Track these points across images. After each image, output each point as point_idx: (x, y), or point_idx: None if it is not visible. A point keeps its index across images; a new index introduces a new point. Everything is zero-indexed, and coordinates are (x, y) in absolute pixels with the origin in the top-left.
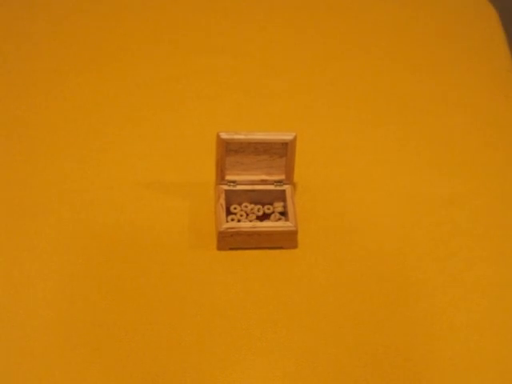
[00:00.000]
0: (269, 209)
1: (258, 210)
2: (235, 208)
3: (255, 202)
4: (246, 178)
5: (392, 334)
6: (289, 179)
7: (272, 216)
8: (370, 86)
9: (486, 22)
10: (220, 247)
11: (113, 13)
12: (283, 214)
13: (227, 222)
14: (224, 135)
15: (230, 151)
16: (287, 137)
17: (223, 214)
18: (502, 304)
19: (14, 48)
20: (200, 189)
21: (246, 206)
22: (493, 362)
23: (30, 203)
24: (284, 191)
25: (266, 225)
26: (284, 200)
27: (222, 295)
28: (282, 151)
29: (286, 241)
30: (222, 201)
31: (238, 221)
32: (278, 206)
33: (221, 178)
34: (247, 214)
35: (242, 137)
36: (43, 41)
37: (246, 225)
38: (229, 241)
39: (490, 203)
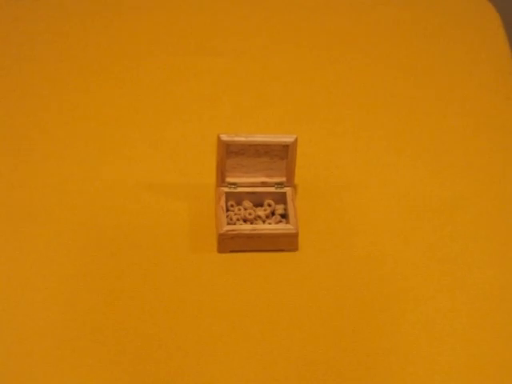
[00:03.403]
0: (265, 210)
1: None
2: (232, 205)
3: (256, 204)
4: (246, 180)
5: (392, 336)
6: (289, 181)
7: (273, 218)
8: (371, 88)
9: (487, 22)
10: (220, 250)
11: (112, 15)
12: (284, 216)
13: (228, 224)
14: (224, 137)
15: (230, 153)
16: (288, 139)
17: (224, 216)
18: (503, 307)
19: (13, 50)
20: (200, 191)
21: (239, 209)
22: (494, 365)
23: (30, 205)
24: (285, 193)
25: (267, 227)
26: (285, 202)
27: (223, 298)
28: (282, 153)
29: (287, 243)
30: (223, 203)
31: (235, 223)
32: (279, 209)
33: (221, 180)
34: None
35: (242, 139)
36: (43, 43)
37: (246, 227)
38: (229, 243)
39: (490, 206)
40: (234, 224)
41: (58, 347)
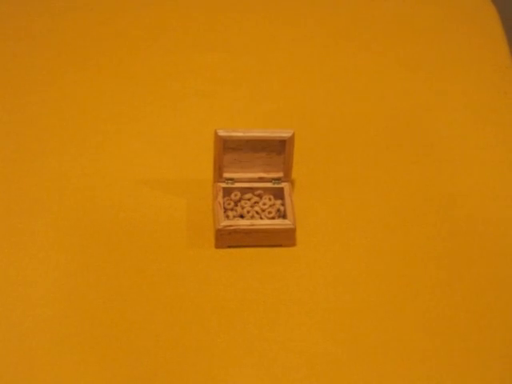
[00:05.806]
0: (264, 204)
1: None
2: (229, 204)
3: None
4: (243, 175)
5: (391, 330)
6: (287, 177)
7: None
8: (369, 82)
9: (486, 18)
10: (218, 245)
11: (110, 9)
12: (281, 211)
13: (226, 218)
14: (222, 132)
15: (227, 149)
16: (285, 134)
17: (221, 211)
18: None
19: (11, 45)
20: (198, 186)
21: (236, 205)
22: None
23: (28, 200)
24: (282, 189)
25: (265, 222)
26: (282, 198)
27: (220, 293)
28: (279, 148)
29: (285, 239)
30: (220, 199)
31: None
32: (277, 204)
33: (218, 175)
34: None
35: (239, 134)
36: (41, 37)
37: (244, 222)
38: (227, 239)
39: (486, 202)
40: (232, 219)
41: (57, 342)
